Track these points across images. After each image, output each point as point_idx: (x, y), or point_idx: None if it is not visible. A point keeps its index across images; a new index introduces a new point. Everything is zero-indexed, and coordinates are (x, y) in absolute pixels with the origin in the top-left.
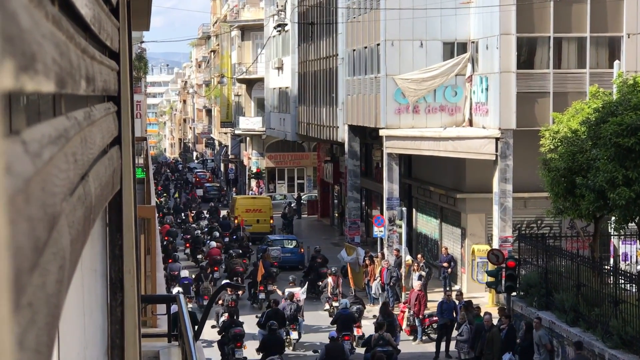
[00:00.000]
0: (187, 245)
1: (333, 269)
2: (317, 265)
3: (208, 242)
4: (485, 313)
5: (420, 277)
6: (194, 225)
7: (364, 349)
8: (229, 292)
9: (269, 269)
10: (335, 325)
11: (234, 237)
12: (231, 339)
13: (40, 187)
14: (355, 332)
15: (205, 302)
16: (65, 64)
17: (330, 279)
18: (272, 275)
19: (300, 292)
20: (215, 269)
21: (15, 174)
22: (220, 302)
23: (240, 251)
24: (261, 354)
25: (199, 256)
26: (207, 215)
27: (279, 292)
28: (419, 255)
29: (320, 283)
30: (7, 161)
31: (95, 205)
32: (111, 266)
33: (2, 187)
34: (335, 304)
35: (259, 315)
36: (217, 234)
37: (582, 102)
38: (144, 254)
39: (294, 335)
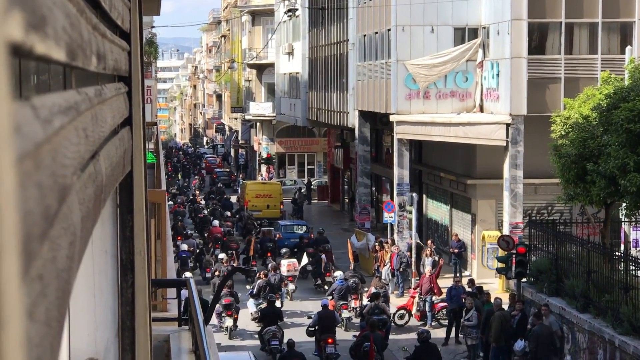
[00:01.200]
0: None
1: (327, 246)
2: (305, 245)
3: (212, 221)
4: (496, 298)
5: (433, 263)
6: (201, 205)
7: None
8: (224, 264)
9: (266, 244)
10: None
11: (237, 216)
12: (222, 308)
13: (50, 155)
14: (353, 303)
15: (207, 275)
16: (76, 36)
17: (323, 256)
18: (269, 249)
19: (294, 262)
20: (217, 246)
21: (24, 136)
22: (217, 273)
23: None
24: (261, 325)
25: (206, 234)
26: (217, 196)
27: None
28: (429, 241)
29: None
30: (16, 122)
31: (106, 184)
32: (122, 248)
33: (11, 147)
34: (328, 279)
35: (251, 286)
36: (229, 213)
37: (593, 88)
38: (155, 238)
39: (277, 303)
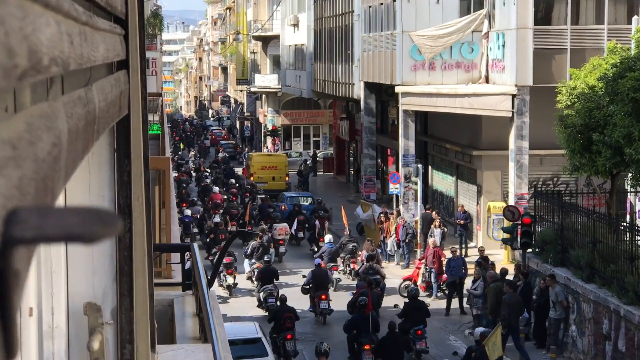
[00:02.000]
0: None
1: (321, 212)
2: (296, 212)
3: (212, 188)
4: (502, 268)
5: (443, 234)
6: (206, 174)
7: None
8: (220, 227)
9: (266, 211)
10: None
11: (237, 184)
12: (223, 267)
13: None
14: (352, 266)
15: (207, 240)
16: None
17: (317, 222)
18: (269, 215)
19: (285, 227)
20: (216, 211)
21: None
22: (212, 236)
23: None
24: (257, 283)
25: (206, 201)
26: (222, 165)
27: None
28: (434, 213)
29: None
30: None
31: (99, 117)
32: (119, 192)
33: None
34: (321, 244)
35: (246, 247)
36: (233, 180)
37: (599, 58)
38: (159, 207)
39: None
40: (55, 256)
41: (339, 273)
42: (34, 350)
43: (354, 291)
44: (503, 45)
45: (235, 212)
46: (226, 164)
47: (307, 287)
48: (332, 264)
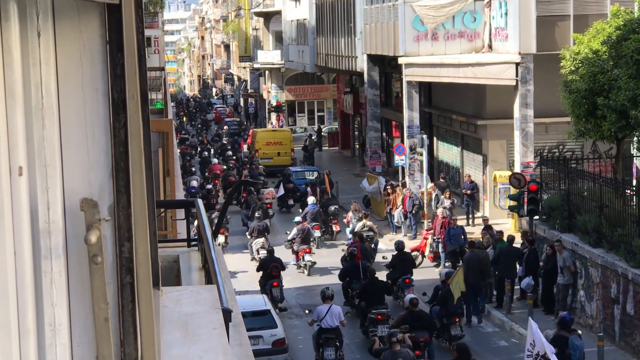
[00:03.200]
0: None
1: (312, 179)
2: (284, 180)
3: (212, 160)
4: (509, 236)
5: (452, 204)
6: (208, 146)
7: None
8: (212, 193)
9: (256, 177)
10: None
11: (234, 157)
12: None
13: None
14: (334, 227)
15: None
16: None
17: (308, 189)
18: (259, 182)
19: (272, 191)
20: (216, 181)
21: None
22: (204, 202)
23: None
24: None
25: (206, 172)
26: (223, 138)
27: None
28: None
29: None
30: None
31: None
32: (113, 86)
33: None
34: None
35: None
36: (230, 153)
37: (603, 22)
38: (164, 175)
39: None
40: (49, 150)
41: (320, 232)
42: (28, 246)
43: (345, 247)
44: (506, 14)
45: (233, 180)
46: (232, 138)
47: (292, 241)
48: (314, 223)
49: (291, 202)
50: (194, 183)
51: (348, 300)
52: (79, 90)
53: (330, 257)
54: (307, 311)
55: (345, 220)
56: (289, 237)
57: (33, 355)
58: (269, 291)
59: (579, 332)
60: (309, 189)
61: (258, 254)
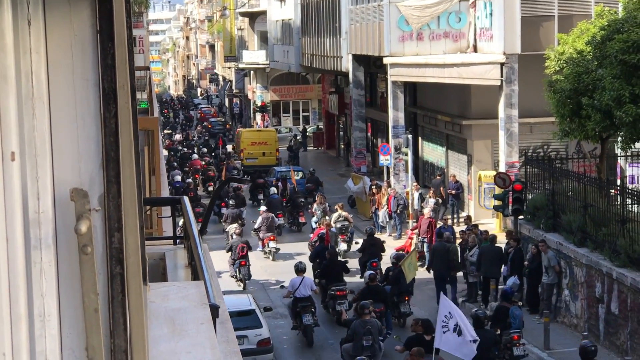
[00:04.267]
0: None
1: (283, 174)
2: (255, 176)
3: (191, 155)
4: (491, 235)
5: (437, 203)
6: (193, 142)
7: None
8: (191, 187)
9: (230, 171)
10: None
11: (212, 154)
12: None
13: None
14: (300, 219)
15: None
16: None
17: (279, 183)
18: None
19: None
20: (197, 176)
21: None
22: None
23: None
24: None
25: (186, 168)
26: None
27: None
28: (416, 184)
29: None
30: None
31: None
32: (103, 76)
33: None
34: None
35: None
36: (205, 149)
37: (587, 22)
38: (149, 173)
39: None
40: (39, 139)
41: (284, 220)
42: (20, 236)
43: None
44: (490, 14)
45: (212, 174)
46: (214, 137)
47: (258, 230)
48: (278, 211)
49: (261, 196)
50: (178, 177)
51: (324, 301)
52: (69, 79)
53: (296, 245)
54: (281, 286)
55: (309, 212)
56: (255, 226)
57: (24, 346)
58: (237, 269)
59: (520, 303)
60: (279, 183)
61: (232, 238)
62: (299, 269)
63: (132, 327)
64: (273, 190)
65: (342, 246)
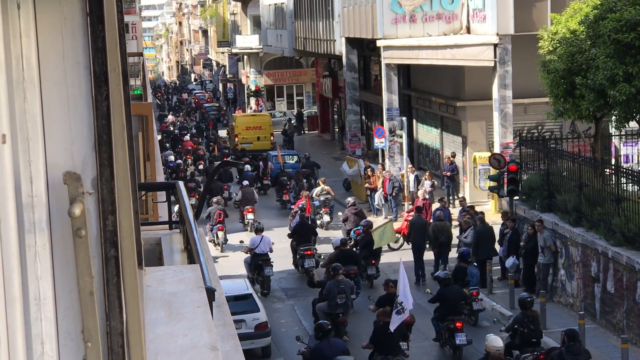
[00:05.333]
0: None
1: (264, 154)
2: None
3: (183, 137)
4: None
5: (432, 185)
6: (185, 125)
7: None
8: (181, 167)
9: (222, 151)
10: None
11: (204, 134)
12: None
13: None
14: (284, 197)
15: (171, 178)
16: None
17: (261, 162)
18: (225, 154)
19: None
20: (188, 157)
21: None
22: (174, 175)
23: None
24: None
25: (178, 149)
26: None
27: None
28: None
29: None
30: None
31: None
32: (94, 59)
33: None
34: (265, 181)
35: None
36: (194, 130)
37: (580, 1)
38: (144, 159)
39: None
40: (31, 122)
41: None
42: (13, 220)
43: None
44: None
45: (202, 153)
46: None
47: (238, 202)
48: (246, 206)
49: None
50: (171, 157)
51: (295, 254)
52: (60, 63)
53: (279, 221)
54: (240, 241)
55: (289, 187)
56: (236, 199)
57: (20, 329)
58: (215, 234)
59: (475, 264)
60: (261, 162)
61: (211, 206)
62: (258, 229)
63: (128, 309)
64: (247, 167)
65: (325, 218)
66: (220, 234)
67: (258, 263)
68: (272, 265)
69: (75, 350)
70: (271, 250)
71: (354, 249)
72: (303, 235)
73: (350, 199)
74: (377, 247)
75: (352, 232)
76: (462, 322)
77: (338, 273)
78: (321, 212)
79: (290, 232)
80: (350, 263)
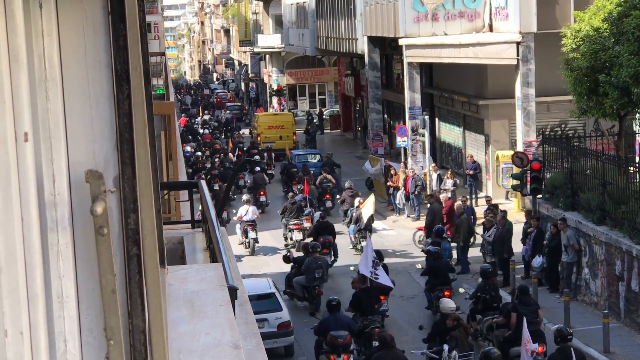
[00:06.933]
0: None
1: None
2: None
3: (202, 131)
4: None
5: (454, 184)
6: (198, 119)
7: None
8: (200, 159)
9: (237, 145)
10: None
11: (223, 128)
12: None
13: None
14: (293, 187)
15: (192, 170)
16: None
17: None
18: (240, 149)
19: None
20: (206, 148)
21: None
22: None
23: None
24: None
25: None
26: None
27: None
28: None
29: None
30: None
31: None
32: (116, 58)
33: None
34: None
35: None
36: (216, 124)
37: None
38: (167, 159)
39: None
40: (53, 121)
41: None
42: (36, 218)
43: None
44: None
45: (218, 147)
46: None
47: (250, 187)
48: (261, 189)
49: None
50: (188, 148)
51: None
52: (81, 61)
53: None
54: (233, 210)
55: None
56: (249, 185)
57: (42, 327)
58: (243, 231)
59: (449, 239)
60: (265, 153)
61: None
62: (247, 200)
63: (150, 307)
64: (257, 157)
65: (328, 204)
66: (252, 233)
67: (244, 229)
68: (256, 230)
69: (98, 348)
70: (257, 217)
71: (348, 226)
72: (291, 212)
73: (347, 183)
74: (366, 220)
75: (348, 212)
76: (449, 291)
77: (316, 251)
78: (323, 198)
79: (280, 210)
80: (327, 233)
